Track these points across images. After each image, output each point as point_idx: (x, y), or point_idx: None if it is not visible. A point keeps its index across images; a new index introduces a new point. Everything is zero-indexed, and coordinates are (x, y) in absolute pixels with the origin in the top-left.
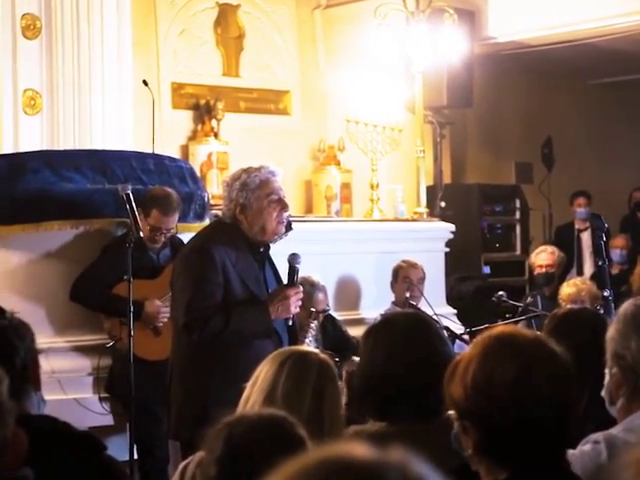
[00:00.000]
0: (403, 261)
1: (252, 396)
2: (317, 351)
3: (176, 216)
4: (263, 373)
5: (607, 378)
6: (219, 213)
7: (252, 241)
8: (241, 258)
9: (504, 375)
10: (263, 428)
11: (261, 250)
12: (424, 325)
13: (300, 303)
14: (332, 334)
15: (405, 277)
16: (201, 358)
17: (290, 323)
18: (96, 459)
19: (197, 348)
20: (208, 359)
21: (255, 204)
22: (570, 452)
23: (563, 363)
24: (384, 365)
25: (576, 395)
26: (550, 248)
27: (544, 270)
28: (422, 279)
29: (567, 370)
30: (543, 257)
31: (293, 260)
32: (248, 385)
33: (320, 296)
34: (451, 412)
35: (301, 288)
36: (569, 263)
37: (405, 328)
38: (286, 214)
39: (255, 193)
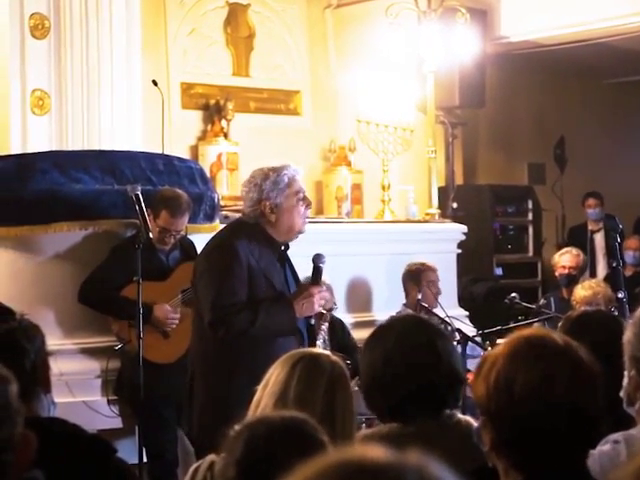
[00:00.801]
0: (422, 264)
1: (263, 399)
2: (328, 353)
3: (186, 218)
4: (274, 376)
5: (626, 380)
6: (229, 214)
7: (274, 240)
8: (264, 256)
9: (527, 379)
10: (284, 431)
11: (282, 249)
12: (422, 326)
13: (323, 302)
14: (340, 338)
15: (430, 281)
16: (225, 357)
17: (312, 322)
18: (107, 462)
19: (222, 346)
20: (232, 358)
21: (285, 202)
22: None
23: (590, 372)
24: (384, 368)
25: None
26: (575, 250)
27: (567, 271)
28: (439, 281)
29: (593, 380)
30: (567, 258)
31: (317, 260)
32: (259, 388)
33: (327, 295)
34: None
35: (324, 287)
36: None
37: (402, 330)
38: (308, 212)
39: (285, 192)
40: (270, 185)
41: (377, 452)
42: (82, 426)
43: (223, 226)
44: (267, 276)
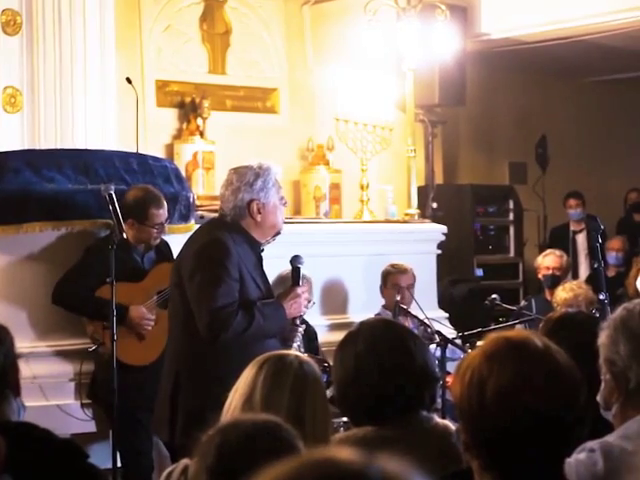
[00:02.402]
0: (392, 266)
1: (233, 402)
2: (298, 354)
3: (165, 203)
4: (244, 379)
5: (602, 384)
6: (205, 214)
7: (254, 240)
8: (248, 255)
9: (499, 381)
10: (256, 436)
11: (261, 250)
12: (392, 327)
13: (307, 302)
14: (307, 343)
15: (394, 284)
16: (218, 361)
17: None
18: (77, 467)
19: (214, 350)
20: (224, 362)
21: (272, 202)
22: (565, 460)
23: (568, 377)
24: (356, 371)
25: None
26: (558, 252)
27: (550, 272)
28: (412, 284)
29: (570, 384)
30: (550, 259)
31: (296, 261)
32: (231, 392)
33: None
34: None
35: (307, 287)
36: None
37: (372, 333)
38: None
39: (271, 191)
40: (261, 184)
41: (343, 453)
42: (55, 430)
43: (199, 226)
44: (253, 276)
